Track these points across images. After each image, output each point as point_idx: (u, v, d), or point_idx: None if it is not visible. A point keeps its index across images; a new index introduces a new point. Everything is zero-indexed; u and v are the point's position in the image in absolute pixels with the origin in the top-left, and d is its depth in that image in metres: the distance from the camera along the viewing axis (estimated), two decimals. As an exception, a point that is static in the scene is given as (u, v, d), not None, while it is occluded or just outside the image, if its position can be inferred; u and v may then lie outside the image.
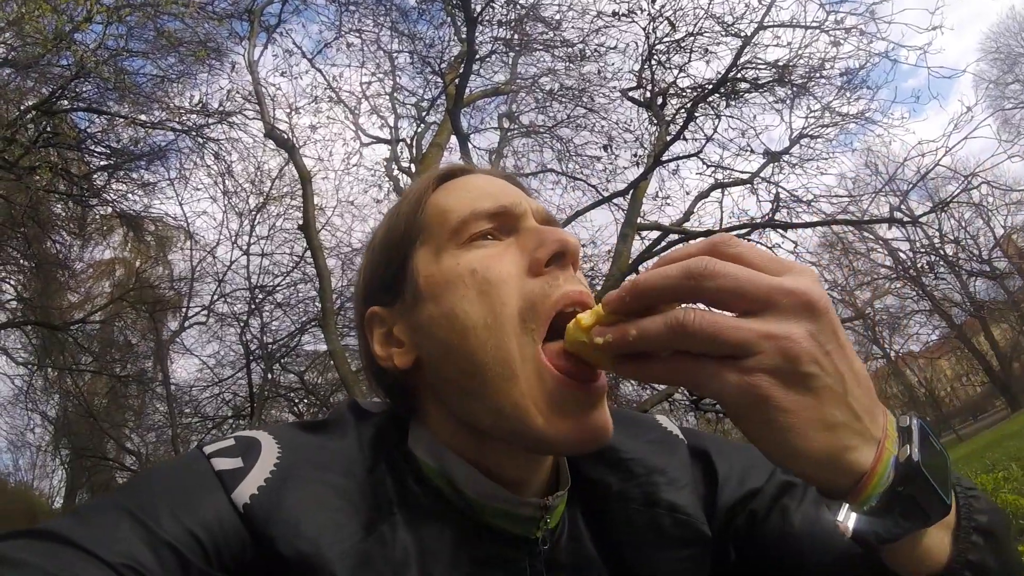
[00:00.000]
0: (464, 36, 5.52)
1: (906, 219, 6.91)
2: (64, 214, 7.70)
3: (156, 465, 0.46)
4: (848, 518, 0.36)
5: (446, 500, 0.49)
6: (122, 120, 6.53)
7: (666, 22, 5.81)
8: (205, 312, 6.92)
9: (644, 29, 5.81)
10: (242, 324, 5.96)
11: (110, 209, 7.37)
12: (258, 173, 6.54)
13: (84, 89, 6.37)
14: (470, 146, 4.55)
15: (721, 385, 0.34)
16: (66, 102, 6.37)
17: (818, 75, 6.15)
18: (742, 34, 5.72)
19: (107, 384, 8.24)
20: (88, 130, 6.80)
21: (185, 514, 0.41)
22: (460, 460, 0.49)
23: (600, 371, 0.45)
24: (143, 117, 6.59)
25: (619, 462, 0.54)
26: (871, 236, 7.92)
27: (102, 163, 7.01)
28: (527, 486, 0.50)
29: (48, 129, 6.32)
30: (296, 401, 6.43)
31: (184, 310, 7.35)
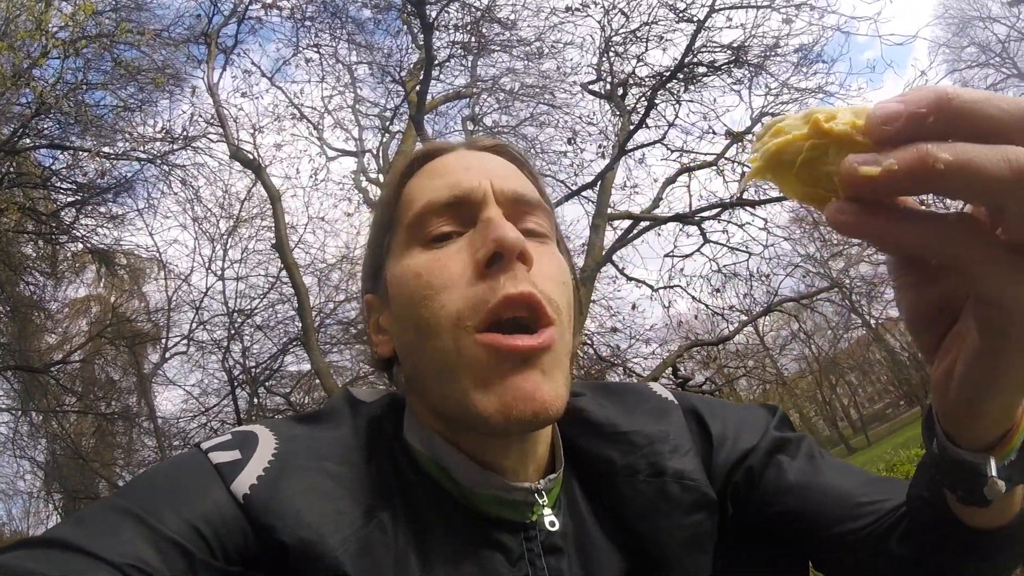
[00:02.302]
0: (421, 43, 5.54)
1: None
2: (35, 254, 7.58)
3: (154, 465, 0.48)
4: (990, 467, 0.35)
5: (441, 488, 0.49)
6: (86, 154, 6.45)
7: (620, 14, 5.89)
8: (185, 341, 6.85)
9: (599, 22, 5.88)
10: (223, 350, 5.90)
11: (81, 245, 7.27)
12: (226, 196, 6.50)
13: (45, 126, 6.29)
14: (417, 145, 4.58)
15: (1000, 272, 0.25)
16: (28, 140, 6.28)
17: (773, 53, 6.26)
18: (695, 19, 5.80)
19: (93, 423, 8.11)
20: (52, 167, 6.71)
21: (186, 509, 0.41)
22: (448, 446, 0.49)
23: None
24: (107, 149, 6.52)
25: (619, 435, 0.54)
26: (840, 206, 8.03)
27: (69, 199, 6.91)
28: (515, 470, 0.50)
29: (12, 169, 6.23)
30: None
31: (164, 341, 7.26)
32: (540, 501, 0.50)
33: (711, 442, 0.56)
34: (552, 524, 0.49)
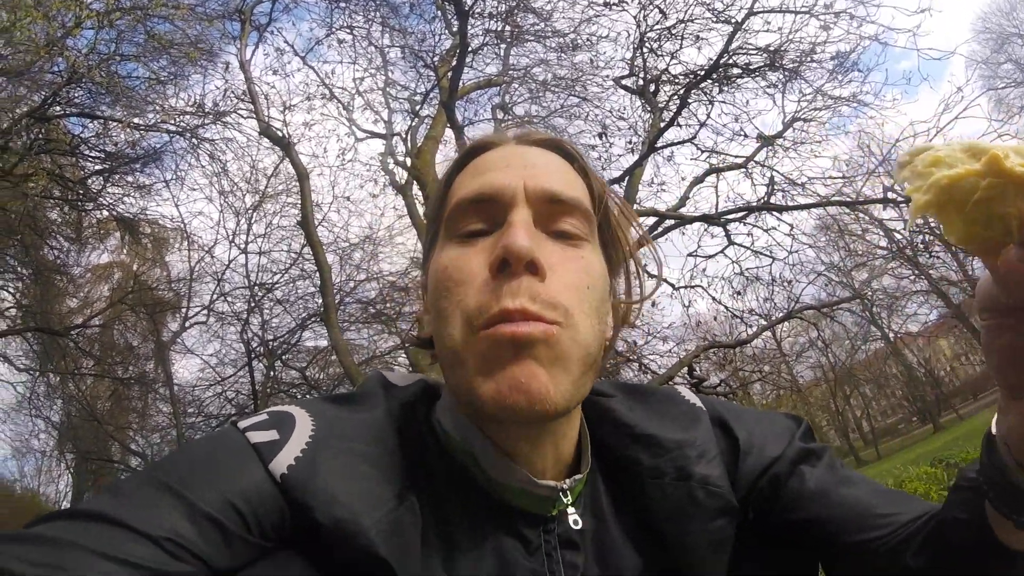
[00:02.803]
0: (455, 29, 5.52)
1: (900, 199, 6.94)
2: (60, 220, 7.68)
3: (190, 441, 0.47)
4: None
5: (468, 474, 0.50)
6: (116, 124, 6.52)
7: (656, 10, 5.82)
8: (205, 312, 6.93)
9: (635, 17, 5.81)
10: (242, 322, 5.97)
11: (106, 213, 7.37)
12: (253, 172, 6.54)
13: (76, 95, 6.35)
14: (465, 138, 4.57)
15: None
16: (59, 108, 6.35)
17: (809, 59, 6.15)
18: (732, 20, 5.72)
19: (110, 387, 8.25)
20: (82, 135, 6.78)
21: (224, 486, 0.41)
22: (479, 433, 0.50)
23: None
24: (137, 120, 6.58)
25: (648, 438, 0.55)
26: (866, 217, 7.95)
27: (97, 167, 7.00)
28: (537, 464, 0.51)
29: (42, 136, 6.31)
30: (299, 397, 6.46)
31: (184, 310, 7.36)
32: (564, 500, 0.51)
33: (737, 450, 0.57)
34: (576, 523, 0.51)
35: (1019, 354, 0.35)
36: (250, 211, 6.45)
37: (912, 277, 12.84)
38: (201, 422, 6.49)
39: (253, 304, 5.96)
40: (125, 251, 8.47)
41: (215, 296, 6.68)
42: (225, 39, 6.57)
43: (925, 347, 21.52)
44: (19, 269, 7.83)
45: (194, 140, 6.73)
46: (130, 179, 7.25)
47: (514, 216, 0.48)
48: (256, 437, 0.45)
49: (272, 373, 6.08)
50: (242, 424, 0.47)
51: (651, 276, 0.60)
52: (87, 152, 6.87)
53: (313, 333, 6.15)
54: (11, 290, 8.10)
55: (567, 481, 0.51)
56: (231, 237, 6.52)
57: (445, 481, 0.49)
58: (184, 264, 7.53)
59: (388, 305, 5.77)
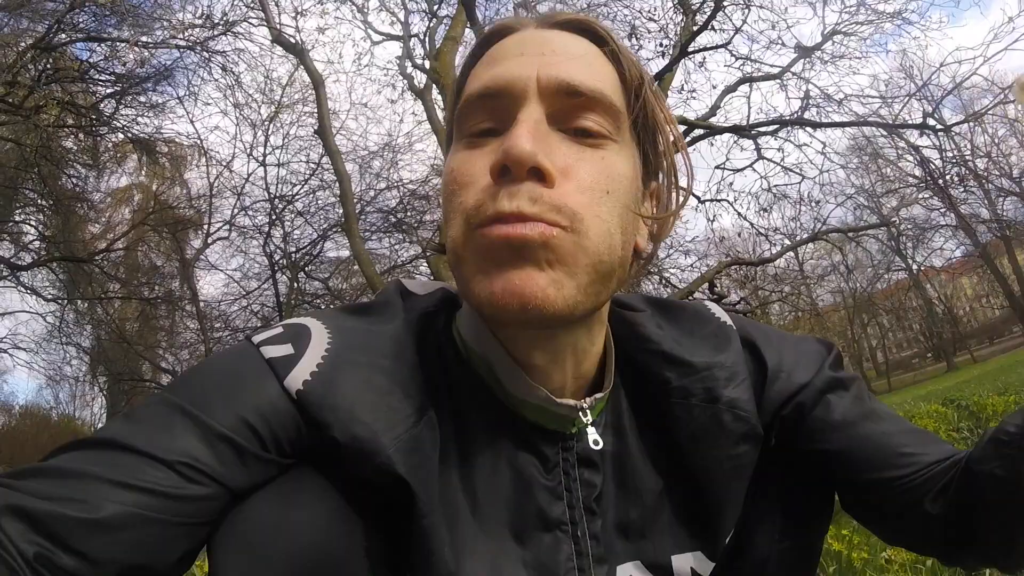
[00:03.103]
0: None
1: (938, 127, 6.63)
2: (76, 147, 7.65)
3: (205, 359, 0.45)
4: None
5: (487, 388, 0.49)
6: (124, 44, 6.34)
7: None
8: (227, 227, 6.97)
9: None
10: (264, 235, 5.99)
11: (121, 136, 7.32)
12: (268, 82, 6.38)
13: (81, 19, 6.17)
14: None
15: None
16: (64, 35, 6.19)
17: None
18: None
19: (137, 308, 8.46)
20: (90, 60, 6.64)
21: (238, 404, 0.41)
22: (497, 345, 0.48)
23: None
24: (145, 39, 6.39)
25: (676, 357, 0.53)
26: (901, 142, 7.62)
27: (108, 91, 6.88)
28: (556, 381, 0.49)
29: (49, 65, 6.17)
30: (321, 308, 6.57)
31: (206, 227, 7.40)
32: (584, 419, 0.50)
33: (765, 374, 0.55)
34: (596, 443, 0.50)
35: None
36: (266, 122, 6.34)
37: (942, 210, 12.48)
38: (228, 335, 6.65)
39: (274, 217, 5.96)
40: (143, 172, 8.46)
41: (236, 211, 6.70)
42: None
43: (947, 283, 21.22)
44: (39, 201, 7.88)
45: (205, 54, 6.56)
46: (143, 99, 7.15)
47: (522, 114, 0.43)
48: (270, 352, 0.44)
49: (296, 285, 6.16)
50: (256, 338, 0.46)
51: (681, 189, 0.53)
52: (97, 76, 6.75)
53: (335, 244, 6.18)
54: (33, 223, 8.20)
55: (587, 400, 0.50)
56: (249, 150, 6.45)
57: (463, 395, 0.48)
58: (203, 181, 7.51)
59: (408, 214, 5.73)
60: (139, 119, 7.12)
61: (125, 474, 0.36)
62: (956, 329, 21.37)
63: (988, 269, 18.32)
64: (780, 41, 6.09)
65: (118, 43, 6.43)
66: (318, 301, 6.22)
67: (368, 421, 0.42)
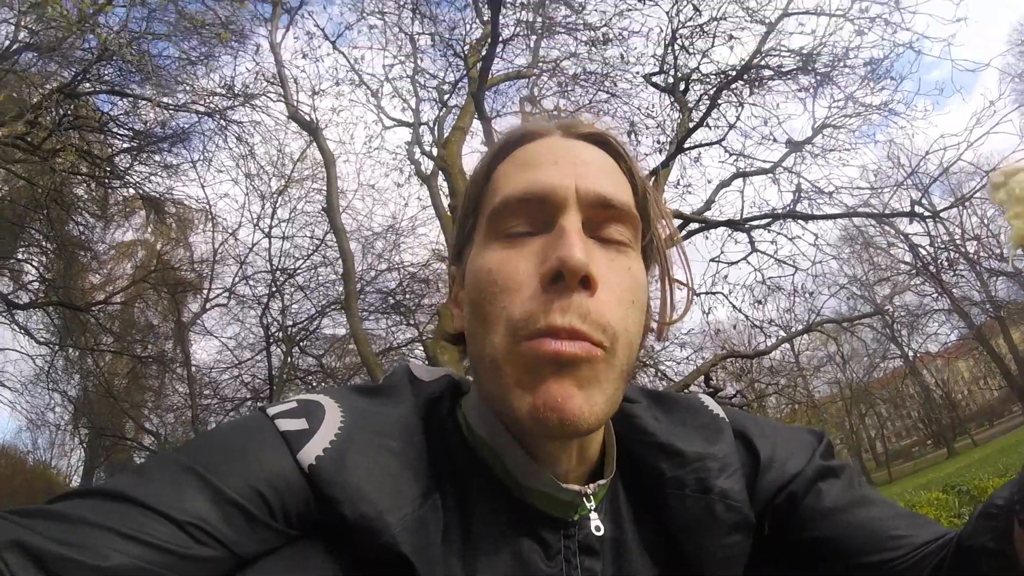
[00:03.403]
0: (487, 19, 5.51)
1: (927, 214, 6.82)
2: (87, 196, 7.77)
3: (218, 426, 0.47)
4: None
5: (492, 473, 0.50)
6: (145, 102, 6.57)
7: (690, 6, 5.76)
8: (226, 294, 6.98)
9: (667, 13, 5.75)
10: (263, 306, 6.00)
11: (132, 191, 7.44)
12: (280, 156, 6.57)
13: (107, 72, 6.41)
14: (493, 130, 4.55)
15: None
16: (89, 85, 6.43)
17: (842, 64, 6.05)
18: (766, 20, 5.64)
19: (128, 364, 8.36)
20: (111, 112, 6.86)
21: (250, 472, 0.41)
22: (506, 433, 0.49)
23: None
24: (166, 99, 6.64)
25: (671, 448, 0.54)
26: (892, 230, 7.82)
27: (125, 145, 7.08)
28: (564, 468, 0.50)
29: (71, 112, 6.38)
30: (314, 384, 6.47)
31: (205, 292, 7.42)
32: (587, 505, 0.50)
33: (758, 464, 0.56)
34: (598, 529, 0.50)
35: None
36: (275, 195, 6.49)
37: (935, 295, 12.63)
38: (216, 404, 6.54)
39: (274, 289, 6.00)
40: (150, 230, 8.58)
41: (237, 279, 6.73)
42: (256, 21, 6.60)
43: (943, 368, 21.13)
44: (44, 243, 7.94)
45: (222, 121, 6.78)
46: (157, 158, 7.31)
47: (566, 222, 0.46)
48: (285, 425, 0.45)
49: (289, 359, 6.12)
50: (271, 411, 0.47)
51: (681, 285, 0.57)
52: (115, 130, 6.94)
53: (332, 321, 6.17)
54: (35, 264, 8.23)
55: (591, 486, 0.51)
56: (255, 220, 6.57)
57: (468, 479, 0.49)
58: (207, 246, 7.59)
59: (407, 296, 5.77)
60: (152, 177, 7.26)
61: (134, 528, 0.36)
62: (955, 414, 21.11)
63: (984, 351, 18.31)
64: (772, 137, 6.36)
65: (140, 100, 6.66)
66: (310, 378, 6.17)
67: (376, 500, 0.42)
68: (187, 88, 6.70)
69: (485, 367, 0.47)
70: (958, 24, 5.16)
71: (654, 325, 0.56)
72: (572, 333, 0.43)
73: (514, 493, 0.49)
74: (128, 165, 7.19)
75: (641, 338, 0.51)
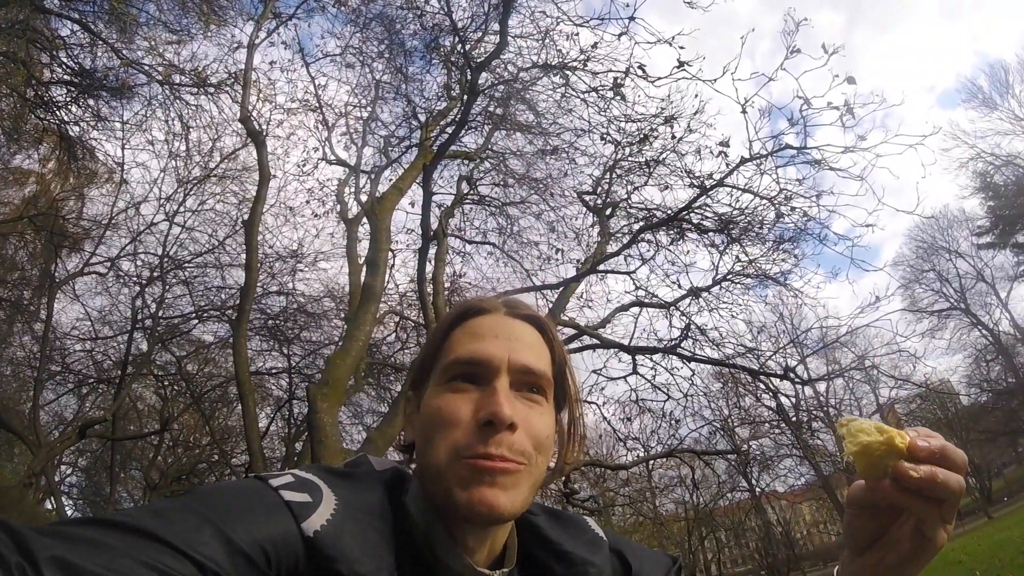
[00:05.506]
0: (455, 93, 5.77)
1: (797, 381, 7.57)
2: (5, 108, 7.20)
3: (224, 484, 0.58)
4: None
5: (423, 555, 0.63)
6: (104, 44, 6.28)
7: (635, 144, 6.27)
8: (107, 262, 6.55)
9: (614, 141, 6.23)
10: (141, 288, 5.69)
11: (51, 122, 6.98)
12: (212, 148, 6.39)
13: (79, 5, 6.13)
14: (447, 250, 4.65)
15: (936, 527, 0.56)
16: (57, 1, 6.11)
17: (755, 234, 6.72)
18: (703, 184, 6.15)
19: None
20: (66, 39, 6.49)
21: (256, 529, 0.50)
22: (439, 523, 0.63)
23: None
24: (126, 51, 6.38)
25: (563, 553, 0.70)
26: (763, 386, 8.57)
27: (66, 77, 6.68)
28: (477, 555, 0.65)
29: (24, 19, 5.99)
30: (165, 385, 6.12)
31: (87, 254, 6.91)
32: None
33: (630, 574, 0.76)
34: None
35: (867, 532, 0.60)
36: (192, 183, 6.27)
37: (790, 445, 13.79)
38: (61, 373, 5.98)
39: (157, 275, 5.72)
40: (50, 166, 7.93)
41: (123, 252, 6.35)
42: (243, 15, 6.56)
43: (788, 508, 22.77)
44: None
45: (171, 95, 6.57)
46: (92, 103, 6.94)
47: (498, 384, 0.64)
48: (289, 496, 0.56)
49: (151, 353, 5.77)
50: (273, 482, 0.57)
51: (577, 434, 0.78)
52: (63, 59, 6.55)
53: (204, 327, 5.92)
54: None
55: (497, 573, 0.65)
56: (163, 201, 6.29)
57: (409, 556, 0.62)
58: (105, 208, 7.13)
59: (288, 325, 5.67)
60: (79, 122, 6.87)
61: (157, 560, 0.42)
62: (792, 551, 22.62)
63: (828, 498, 19.96)
64: (677, 282, 6.91)
65: (99, 39, 6.33)
66: (167, 380, 5.83)
67: (366, 563, 0.54)
68: (151, 47, 6.48)
69: (431, 473, 0.62)
70: (865, 229, 5.87)
71: (553, 462, 0.75)
72: (501, 459, 0.60)
73: (438, 572, 0.63)
74: (63, 100, 6.76)
75: (547, 463, 0.68)
